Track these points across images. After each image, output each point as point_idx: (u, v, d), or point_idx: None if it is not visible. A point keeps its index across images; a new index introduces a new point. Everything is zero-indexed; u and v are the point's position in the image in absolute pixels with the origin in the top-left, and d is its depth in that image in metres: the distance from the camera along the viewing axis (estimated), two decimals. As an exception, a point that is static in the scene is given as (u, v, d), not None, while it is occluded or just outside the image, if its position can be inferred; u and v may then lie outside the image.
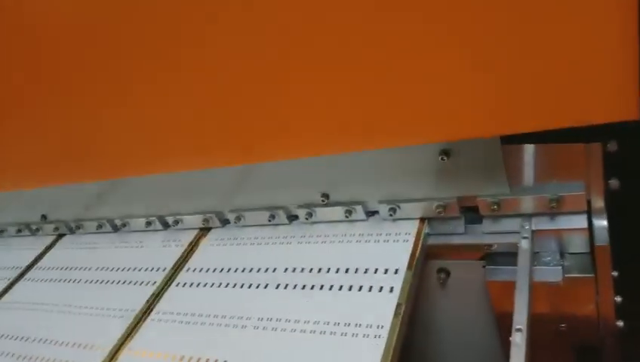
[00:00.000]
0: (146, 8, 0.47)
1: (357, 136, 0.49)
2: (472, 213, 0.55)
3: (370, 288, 0.51)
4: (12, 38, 0.56)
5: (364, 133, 0.49)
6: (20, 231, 0.93)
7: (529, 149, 0.50)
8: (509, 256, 0.53)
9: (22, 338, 0.68)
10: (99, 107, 0.58)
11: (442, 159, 0.51)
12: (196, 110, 0.54)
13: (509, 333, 0.41)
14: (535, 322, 0.44)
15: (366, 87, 0.44)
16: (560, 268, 0.52)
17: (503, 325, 0.57)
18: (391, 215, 0.58)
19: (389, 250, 0.55)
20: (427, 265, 0.60)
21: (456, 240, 0.57)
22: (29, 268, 0.85)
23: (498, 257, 0.55)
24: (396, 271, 0.52)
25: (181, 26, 0.47)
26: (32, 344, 0.66)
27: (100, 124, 0.61)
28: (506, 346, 0.49)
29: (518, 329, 0.41)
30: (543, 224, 0.52)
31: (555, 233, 0.52)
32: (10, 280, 0.83)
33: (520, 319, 0.42)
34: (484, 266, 0.56)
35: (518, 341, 0.40)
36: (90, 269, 0.77)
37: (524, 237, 0.51)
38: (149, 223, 0.76)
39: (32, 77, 0.59)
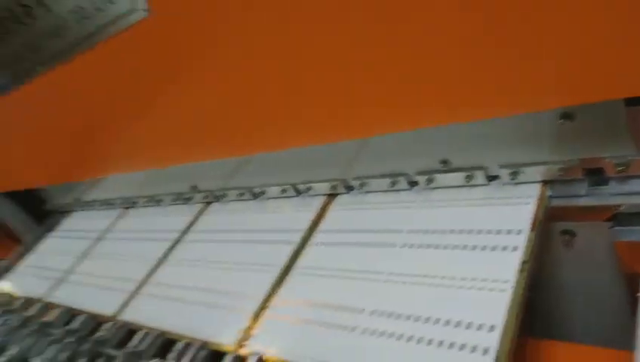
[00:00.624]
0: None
1: (475, 105, 0.53)
2: (595, 176, 0.56)
3: (494, 247, 0.54)
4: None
5: (482, 103, 0.52)
6: (175, 200, 1.09)
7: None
8: (637, 216, 0.53)
9: (190, 287, 0.82)
10: (229, 96, 0.67)
11: (563, 122, 0.53)
12: (313, 93, 0.60)
13: (637, 292, 0.43)
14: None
15: (483, 56, 0.47)
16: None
17: (631, 284, 0.57)
18: (512, 179, 0.60)
19: (511, 213, 0.58)
20: (551, 227, 0.62)
21: (581, 202, 0.58)
22: (184, 231, 1.00)
23: (625, 218, 0.55)
24: (519, 232, 0.55)
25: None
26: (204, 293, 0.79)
27: (236, 110, 0.71)
28: (633, 304, 0.50)
29: (646, 286, 0.43)
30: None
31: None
32: (172, 241, 0.99)
33: (648, 276, 0.43)
34: (610, 227, 0.57)
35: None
36: (235, 231, 0.89)
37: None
38: (283, 190, 0.86)
39: (174, 74, 0.70)
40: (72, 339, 0.84)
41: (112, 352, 0.77)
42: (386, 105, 0.60)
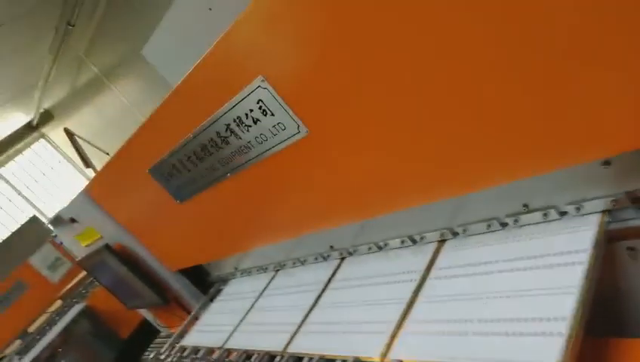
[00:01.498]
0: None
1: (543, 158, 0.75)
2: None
3: (567, 263, 0.75)
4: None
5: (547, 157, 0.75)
6: (316, 259, 1.39)
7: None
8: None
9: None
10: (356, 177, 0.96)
11: (605, 167, 0.73)
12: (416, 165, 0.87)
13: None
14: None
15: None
16: None
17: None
18: (578, 211, 0.80)
19: (579, 236, 0.78)
20: (618, 246, 0.80)
21: (636, 223, 0.76)
22: (326, 283, 1.28)
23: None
24: (585, 251, 0.74)
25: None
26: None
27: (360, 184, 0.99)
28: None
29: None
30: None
31: None
32: (318, 291, 1.27)
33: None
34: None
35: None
36: (363, 278, 1.15)
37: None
38: (402, 241, 1.11)
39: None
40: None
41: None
42: (477, 165, 0.85)
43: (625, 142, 0.67)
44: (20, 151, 9.20)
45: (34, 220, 6.67)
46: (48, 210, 8.30)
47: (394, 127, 0.86)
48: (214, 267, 1.89)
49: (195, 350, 1.52)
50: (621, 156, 0.72)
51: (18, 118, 8.61)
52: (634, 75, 0.60)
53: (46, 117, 9.02)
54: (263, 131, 0.99)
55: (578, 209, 0.80)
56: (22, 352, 4.26)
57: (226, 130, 1.06)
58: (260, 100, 0.95)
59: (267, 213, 1.29)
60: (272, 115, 0.95)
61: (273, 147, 1.01)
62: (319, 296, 1.25)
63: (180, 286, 1.96)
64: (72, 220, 2.08)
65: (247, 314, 1.50)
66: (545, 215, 0.85)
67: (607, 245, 0.79)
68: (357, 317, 1.04)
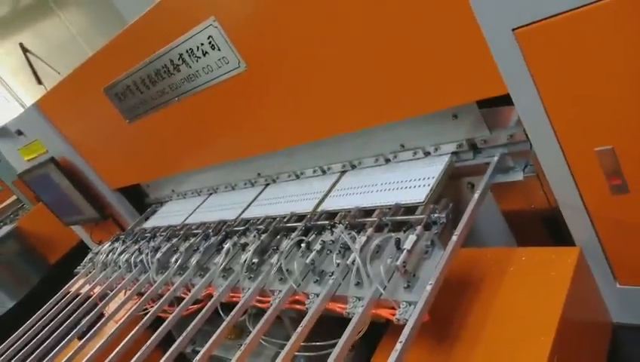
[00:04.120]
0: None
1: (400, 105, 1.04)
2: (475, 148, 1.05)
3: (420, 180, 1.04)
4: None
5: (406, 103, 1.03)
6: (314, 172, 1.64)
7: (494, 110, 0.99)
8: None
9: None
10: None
11: (454, 119, 1.03)
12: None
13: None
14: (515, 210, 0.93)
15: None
16: (521, 171, 1.00)
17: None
18: (436, 150, 1.10)
19: (433, 168, 1.08)
20: (463, 181, 1.11)
21: (471, 162, 1.07)
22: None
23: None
24: (433, 178, 1.04)
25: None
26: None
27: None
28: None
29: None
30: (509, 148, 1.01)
31: (515, 154, 1.00)
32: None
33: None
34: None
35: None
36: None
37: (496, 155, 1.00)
38: (314, 171, 1.38)
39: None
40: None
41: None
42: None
43: (461, 95, 0.96)
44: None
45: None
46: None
47: (316, 70, 1.11)
48: (153, 189, 2.10)
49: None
50: (464, 111, 1.02)
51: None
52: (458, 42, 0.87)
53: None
54: (209, 63, 1.21)
55: (436, 150, 1.10)
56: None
57: (179, 58, 1.27)
58: (210, 37, 1.17)
59: (206, 138, 1.51)
60: (219, 50, 1.17)
61: (217, 78, 1.23)
62: (245, 209, 1.50)
63: (118, 205, 2.15)
64: (19, 132, 2.19)
65: (187, 216, 1.70)
66: (414, 153, 1.14)
67: (454, 180, 1.09)
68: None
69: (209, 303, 1.10)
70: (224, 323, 1.04)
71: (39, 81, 2.42)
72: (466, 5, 0.79)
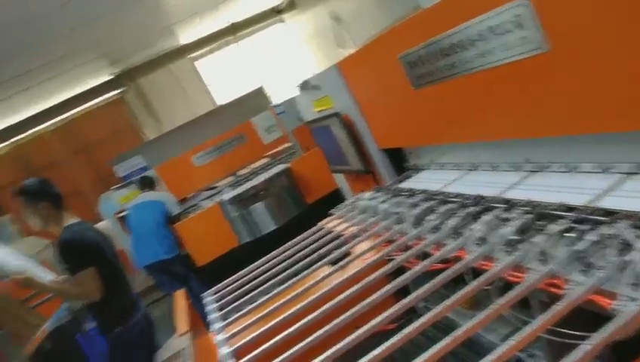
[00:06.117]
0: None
1: None
2: None
3: None
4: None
5: None
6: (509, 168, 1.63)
7: None
8: None
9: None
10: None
11: None
12: None
13: None
14: None
15: None
16: None
17: None
18: None
19: None
20: None
21: None
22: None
23: None
24: None
25: None
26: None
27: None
28: None
29: None
30: None
31: None
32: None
33: None
34: None
35: None
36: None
37: None
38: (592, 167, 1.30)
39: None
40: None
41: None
42: None
43: None
44: (259, 30, 10.59)
45: (259, 90, 7.94)
46: (271, 85, 9.56)
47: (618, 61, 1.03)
48: (414, 155, 2.26)
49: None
50: None
51: (266, 1, 9.87)
52: None
53: (291, 5, 10.11)
54: (509, 41, 1.24)
55: None
56: (232, 186, 5.42)
57: (477, 35, 1.34)
58: (517, 15, 1.19)
59: (478, 114, 1.56)
60: (524, 28, 1.19)
61: (512, 57, 1.26)
62: (507, 190, 1.50)
63: (381, 163, 2.39)
64: (316, 87, 2.62)
65: (445, 185, 1.79)
66: None
67: None
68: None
69: (457, 264, 1.18)
70: (468, 287, 1.11)
71: (341, 46, 2.81)
72: None
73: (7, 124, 8.48)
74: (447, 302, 1.09)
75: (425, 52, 1.61)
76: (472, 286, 1.08)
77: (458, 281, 1.26)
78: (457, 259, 1.25)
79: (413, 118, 1.93)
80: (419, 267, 1.26)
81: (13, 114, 8.15)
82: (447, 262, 1.26)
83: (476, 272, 1.19)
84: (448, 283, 1.22)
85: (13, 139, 8.78)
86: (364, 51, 2.04)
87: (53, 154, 8.74)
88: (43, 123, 8.88)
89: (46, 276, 2.65)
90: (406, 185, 2.08)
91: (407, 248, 1.47)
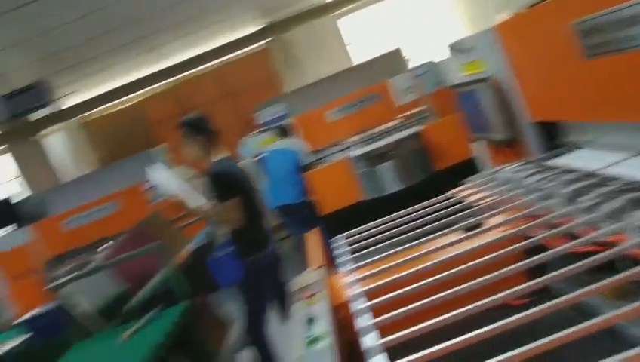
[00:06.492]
0: None
1: None
2: None
3: None
4: None
5: None
6: None
7: None
8: None
9: None
10: None
11: None
12: None
13: None
14: None
15: None
16: None
17: None
18: None
19: None
20: None
21: None
22: None
23: None
24: None
25: None
26: None
27: None
28: None
29: None
30: None
31: None
32: None
33: None
34: None
35: None
36: None
37: None
38: None
39: None
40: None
41: None
42: None
43: None
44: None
45: (397, 51, 7.83)
46: (411, 47, 9.32)
47: None
48: (571, 131, 2.09)
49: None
50: None
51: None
52: None
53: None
54: None
55: None
56: (361, 143, 5.51)
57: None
58: None
59: None
60: None
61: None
62: None
63: (529, 135, 2.26)
64: (468, 50, 2.52)
65: (603, 167, 1.64)
66: None
67: None
68: None
69: (615, 248, 1.12)
70: (620, 275, 1.05)
71: (500, 12, 2.66)
72: None
73: (165, 66, 9.43)
74: (592, 286, 1.05)
75: (605, 20, 1.46)
76: (627, 273, 1.03)
77: (601, 268, 1.20)
78: (611, 244, 1.18)
79: (583, 90, 1.78)
80: (568, 245, 1.22)
81: (173, 56, 9.03)
82: (602, 245, 1.20)
83: (626, 260, 1.12)
84: (589, 270, 1.17)
85: (170, 79, 9.76)
86: (528, 15, 1.91)
87: (204, 95, 9.58)
88: (196, 67, 9.72)
89: (197, 201, 3.00)
90: (558, 161, 1.96)
91: (551, 226, 1.42)
